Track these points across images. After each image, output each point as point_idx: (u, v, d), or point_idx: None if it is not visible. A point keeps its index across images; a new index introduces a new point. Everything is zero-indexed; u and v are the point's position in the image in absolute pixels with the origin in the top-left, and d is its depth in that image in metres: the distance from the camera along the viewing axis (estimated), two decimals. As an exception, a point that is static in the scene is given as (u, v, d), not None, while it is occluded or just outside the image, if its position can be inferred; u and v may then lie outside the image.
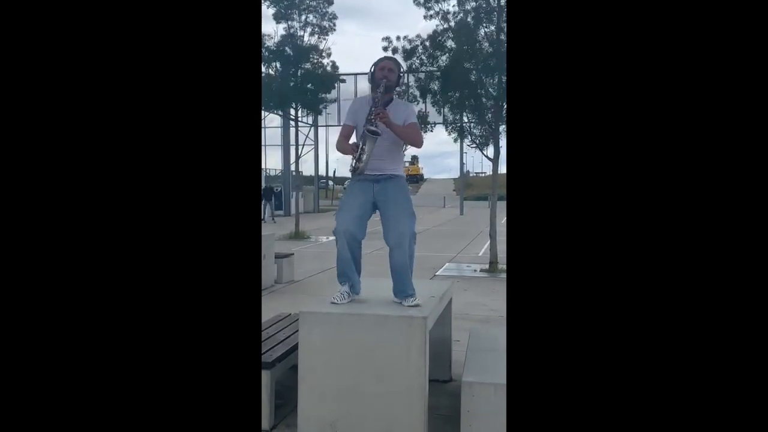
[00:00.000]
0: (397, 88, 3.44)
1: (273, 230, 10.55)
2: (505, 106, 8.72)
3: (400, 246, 3.22)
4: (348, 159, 3.33)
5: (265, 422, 3.15)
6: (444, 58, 8.86)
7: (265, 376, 3.17)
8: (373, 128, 3.14)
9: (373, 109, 3.21)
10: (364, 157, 3.19)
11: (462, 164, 29.66)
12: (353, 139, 3.34)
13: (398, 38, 9.33)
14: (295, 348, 3.32)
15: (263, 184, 21.08)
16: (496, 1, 8.62)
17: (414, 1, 8.95)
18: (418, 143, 3.35)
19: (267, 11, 12.70)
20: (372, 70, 3.34)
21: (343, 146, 3.32)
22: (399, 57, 8.99)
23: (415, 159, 57.55)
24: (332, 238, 3.40)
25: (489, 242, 9.48)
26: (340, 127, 3.56)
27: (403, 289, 3.21)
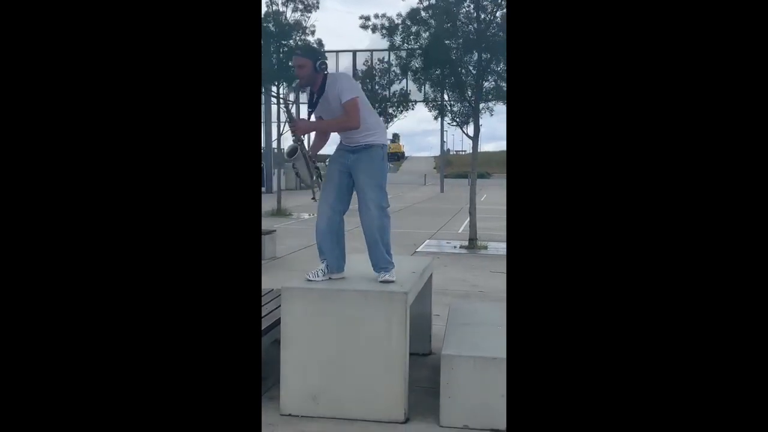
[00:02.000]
0: (325, 70, 3.19)
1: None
2: (485, 84, 8.71)
3: (369, 218, 3.18)
4: (335, 136, 3.35)
5: (248, 395, 3.16)
6: (425, 35, 8.79)
7: (248, 351, 3.17)
8: (292, 145, 3.18)
9: (288, 121, 3.22)
10: (303, 174, 3.24)
11: (442, 142, 29.72)
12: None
13: (377, 16, 9.24)
14: (277, 323, 3.32)
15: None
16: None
17: None
18: (351, 126, 3.13)
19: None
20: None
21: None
22: (378, 35, 8.91)
23: (396, 137, 57.32)
24: (314, 215, 3.39)
25: (468, 219, 9.52)
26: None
27: (375, 263, 3.21)
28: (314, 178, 3.24)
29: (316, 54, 3.26)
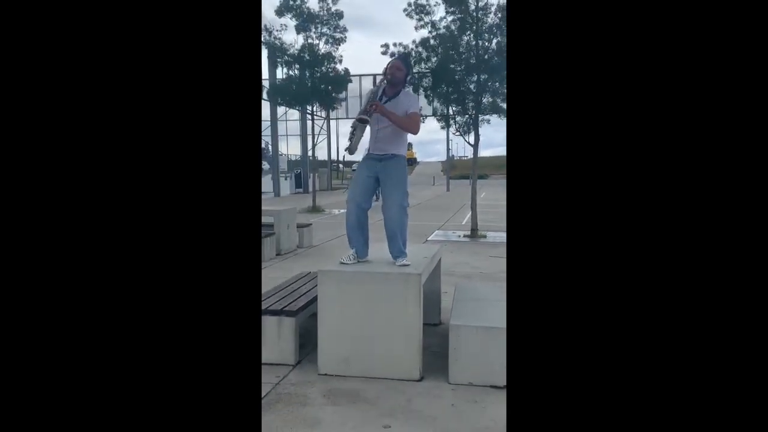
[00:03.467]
0: (407, 86, 3.37)
1: (294, 205, 10.55)
2: (483, 100, 8.64)
3: (391, 216, 3.21)
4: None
5: (291, 358, 3.19)
6: (434, 60, 8.74)
7: (291, 322, 3.20)
8: (362, 116, 3.10)
9: (371, 100, 3.17)
10: (353, 140, 3.16)
11: (448, 149, 29.58)
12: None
13: (394, 44, 9.19)
14: (314, 300, 3.35)
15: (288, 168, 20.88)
16: (474, 14, 8.48)
17: (406, 14, 8.79)
18: (413, 131, 3.24)
19: (290, 23, 12.63)
20: (386, 67, 3.28)
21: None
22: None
23: (410, 145, 57.20)
24: (343, 210, 3.41)
25: (470, 213, 9.47)
26: (349, 120, 3.55)
27: (393, 251, 3.24)
28: (356, 145, 3.21)
29: (411, 69, 3.43)
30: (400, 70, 3.24)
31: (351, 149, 3.18)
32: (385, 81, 3.22)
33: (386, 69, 3.25)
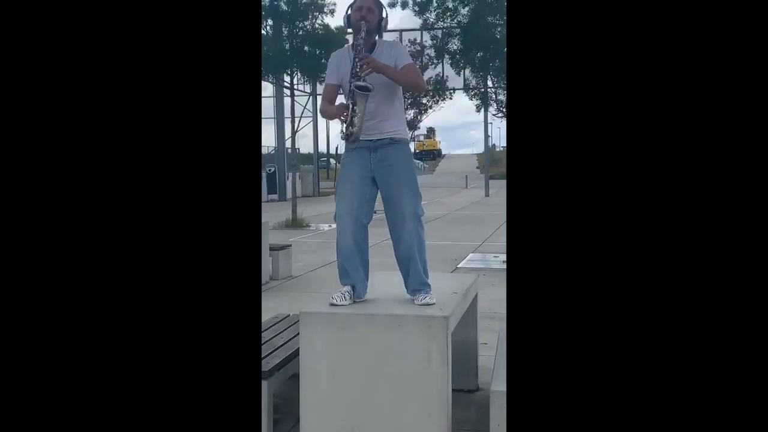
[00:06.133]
0: (382, 33, 3.32)
1: (266, 218, 10.59)
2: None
3: (401, 230, 3.16)
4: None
5: (262, 440, 3.18)
6: (465, 11, 8.79)
7: (262, 387, 3.19)
8: (361, 83, 3.04)
9: (356, 59, 3.12)
10: (356, 119, 3.07)
11: (486, 137, 29.68)
12: (340, 101, 3.23)
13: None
14: (295, 354, 3.34)
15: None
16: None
17: None
18: (420, 86, 3.31)
19: (259, -41, 12.78)
20: (347, 13, 3.27)
21: (328, 110, 3.24)
22: (409, 11, 8.89)
23: (431, 131, 56.88)
24: (334, 226, 3.36)
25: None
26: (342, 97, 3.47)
27: (411, 283, 3.18)
28: (360, 128, 3.12)
29: (382, 8, 3.34)
30: (372, 11, 3.20)
31: (355, 134, 3.09)
32: (359, 32, 3.15)
33: (352, 14, 3.22)
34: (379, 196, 3.25)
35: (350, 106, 3.08)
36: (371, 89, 3.05)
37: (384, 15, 3.30)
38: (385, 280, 3.48)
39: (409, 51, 3.59)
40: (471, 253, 10.16)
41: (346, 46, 3.36)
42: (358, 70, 3.08)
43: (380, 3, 3.31)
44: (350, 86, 3.09)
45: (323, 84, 3.53)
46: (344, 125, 3.11)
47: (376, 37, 3.28)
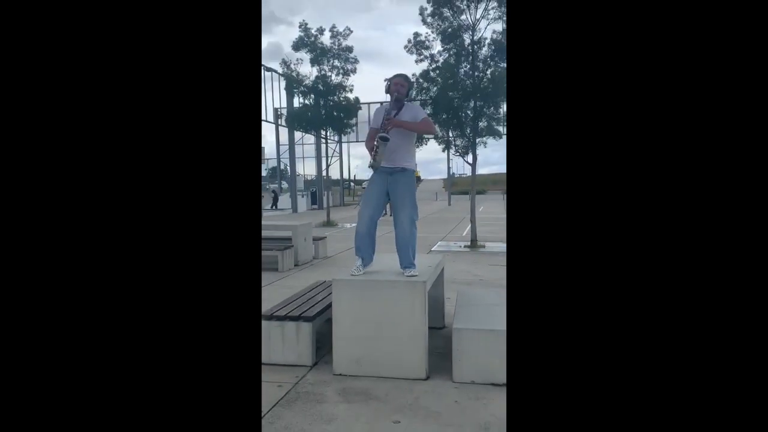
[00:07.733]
0: (407, 99, 3.32)
1: (310, 219, 10.57)
2: (480, 124, 8.65)
3: (403, 230, 3.17)
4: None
5: (309, 360, 3.17)
6: (434, 89, 8.79)
7: (308, 327, 3.19)
8: (383, 135, 3.08)
9: (385, 117, 3.14)
10: (377, 157, 3.12)
11: (449, 168, 29.67)
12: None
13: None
14: (329, 306, 3.34)
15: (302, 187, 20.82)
16: (470, 46, 8.54)
17: (406, 50, 8.84)
18: (431, 131, 3.26)
19: (305, 57, 12.80)
20: (388, 84, 3.24)
21: (368, 145, 3.24)
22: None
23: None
24: (355, 224, 3.37)
25: (470, 226, 9.43)
26: (359, 143, 3.50)
27: (403, 262, 3.18)
28: (379, 161, 3.17)
29: (411, 84, 3.38)
30: (403, 86, 3.22)
31: (375, 165, 3.15)
32: (392, 98, 3.19)
33: (390, 86, 3.22)
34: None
35: (375, 147, 3.13)
36: (388, 140, 3.08)
37: (411, 88, 3.36)
38: (388, 259, 3.48)
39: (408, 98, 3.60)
40: (439, 241, 10.10)
41: (384, 103, 3.30)
42: (385, 126, 3.11)
43: (409, 79, 3.34)
44: (377, 136, 3.12)
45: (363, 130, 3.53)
46: (372, 158, 3.16)
47: (405, 101, 3.27)
